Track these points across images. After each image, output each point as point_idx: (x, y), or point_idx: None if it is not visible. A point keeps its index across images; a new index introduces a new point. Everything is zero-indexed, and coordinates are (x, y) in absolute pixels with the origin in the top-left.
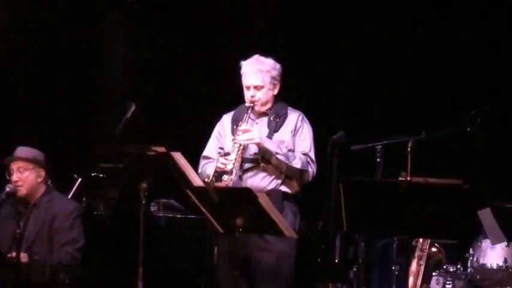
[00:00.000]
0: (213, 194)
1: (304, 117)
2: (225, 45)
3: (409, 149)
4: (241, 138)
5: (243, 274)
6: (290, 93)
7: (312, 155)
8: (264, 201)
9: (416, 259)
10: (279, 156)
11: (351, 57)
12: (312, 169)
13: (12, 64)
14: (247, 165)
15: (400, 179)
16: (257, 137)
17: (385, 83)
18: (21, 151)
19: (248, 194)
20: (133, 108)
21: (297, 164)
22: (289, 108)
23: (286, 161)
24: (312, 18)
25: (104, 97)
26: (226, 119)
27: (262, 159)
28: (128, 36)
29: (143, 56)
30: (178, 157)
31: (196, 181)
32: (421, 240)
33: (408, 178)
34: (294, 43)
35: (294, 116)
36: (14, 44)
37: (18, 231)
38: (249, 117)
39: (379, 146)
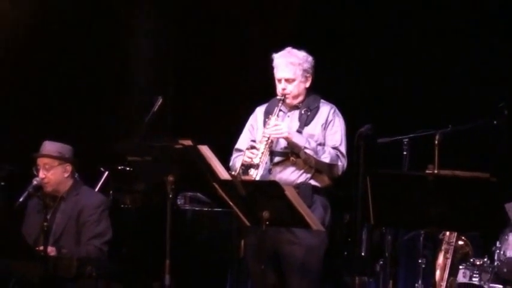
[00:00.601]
0: (240, 187)
1: (337, 111)
2: (254, 37)
3: (436, 142)
4: (269, 131)
5: (272, 267)
6: (317, 86)
7: (343, 148)
8: (291, 194)
9: (443, 252)
10: (307, 151)
11: (378, 50)
12: (341, 163)
13: (39, 58)
14: (277, 159)
15: (427, 172)
16: (285, 131)
17: (412, 75)
18: (48, 147)
19: (275, 187)
20: (160, 101)
21: (325, 158)
22: (321, 101)
23: (315, 156)
24: (340, 10)
25: (131, 90)
26: (259, 111)
27: (292, 153)
28: (155, 28)
29: (170, 48)
30: (205, 150)
31: (223, 174)
32: (447, 233)
33: (435, 171)
34: (322, 35)
35: (325, 109)
36: (41, 37)
37: (45, 224)
38: (280, 110)
39: (406, 139)
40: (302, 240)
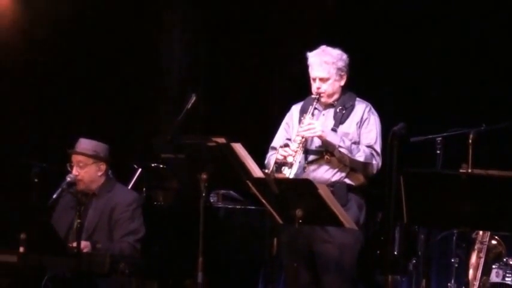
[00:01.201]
0: (273, 185)
1: (372, 109)
2: (287, 33)
3: (470, 141)
4: (303, 130)
5: (306, 265)
6: (351, 85)
7: (378, 147)
8: (324, 192)
9: (476, 252)
10: (341, 149)
11: (411, 49)
12: (376, 162)
13: (73, 55)
14: (311, 157)
15: (460, 171)
16: (319, 130)
17: (446, 74)
18: (83, 144)
19: (308, 185)
20: (194, 99)
21: (360, 157)
22: (357, 99)
23: (349, 154)
24: (373, 8)
25: (164, 87)
26: (295, 109)
27: (327, 152)
28: (188, 26)
29: (203, 46)
30: (239, 148)
31: (257, 172)
32: (481, 232)
33: (469, 170)
34: (354, 33)
35: (361, 108)
36: (75, 35)
37: (78, 221)
38: (316, 109)
39: (439, 138)
40: (336, 238)
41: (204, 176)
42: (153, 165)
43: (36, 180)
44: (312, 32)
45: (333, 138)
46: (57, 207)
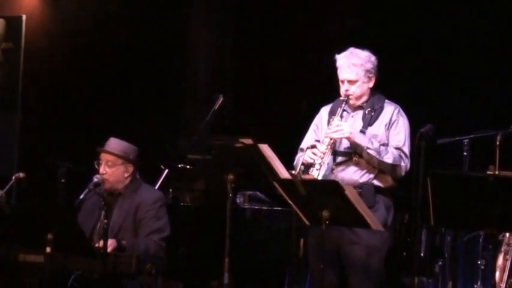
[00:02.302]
0: (300, 186)
1: (401, 111)
2: (314, 35)
3: (497, 143)
4: (331, 132)
5: (333, 267)
6: (379, 86)
7: (406, 149)
8: (350, 193)
9: (502, 254)
10: (369, 151)
11: (439, 51)
12: (404, 164)
13: (100, 56)
14: (339, 159)
15: (487, 172)
16: (347, 131)
17: (474, 75)
18: (114, 144)
19: (335, 187)
20: (221, 100)
21: (388, 159)
22: (386, 101)
23: (377, 156)
24: (403, 10)
25: (191, 88)
26: (324, 111)
27: (355, 153)
28: (215, 27)
29: (230, 47)
30: (266, 149)
31: (283, 173)
32: (507, 234)
33: (496, 172)
34: (383, 34)
35: (389, 110)
36: (102, 35)
37: (105, 221)
38: (344, 111)
39: (466, 140)
40: (364, 240)
41: (231, 177)
42: (179, 166)
43: (63, 180)
44: (340, 30)
45: (361, 140)
46: (83, 208)
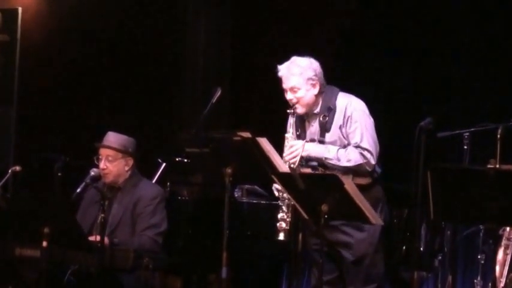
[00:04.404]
0: (299, 180)
1: (353, 103)
2: (311, 29)
3: (498, 136)
4: (288, 157)
5: (332, 261)
6: (378, 79)
7: (365, 144)
8: (350, 187)
9: (502, 248)
10: (329, 161)
11: (438, 44)
12: (367, 159)
13: (97, 49)
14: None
15: (488, 166)
16: (300, 151)
17: (474, 68)
18: (112, 138)
19: (334, 180)
20: (219, 93)
21: (348, 162)
22: (339, 94)
23: (338, 163)
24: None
25: (188, 81)
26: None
27: (320, 165)
28: (212, 19)
29: (227, 39)
30: (264, 143)
31: (282, 167)
32: (508, 229)
33: (497, 166)
34: (382, 27)
35: (341, 108)
36: (100, 32)
37: (102, 215)
38: (305, 120)
39: (467, 133)
40: (354, 237)
41: (229, 171)
42: (177, 159)
43: (59, 174)
44: (336, 26)
45: (317, 152)
46: (82, 202)
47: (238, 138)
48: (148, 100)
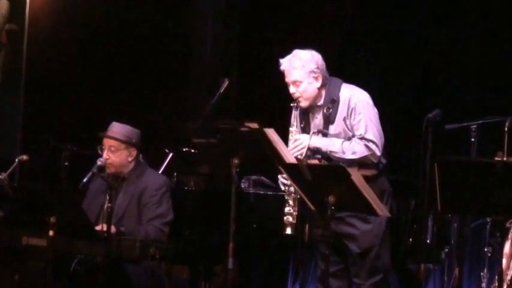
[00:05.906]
0: (306, 171)
1: (356, 94)
2: (316, 19)
3: (506, 129)
4: (293, 150)
5: (338, 253)
6: (386, 71)
7: (370, 135)
8: (357, 178)
9: (509, 241)
10: (333, 154)
11: (447, 37)
12: (372, 151)
13: (105, 40)
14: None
15: (495, 159)
16: (305, 143)
17: (483, 61)
18: (116, 129)
19: (341, 172)
20: (226, 83)
21: (353, 155)
22: (342, 87)
23: (343, 155)
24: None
25: (196, 72)
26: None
27: (324, 158)
28: (220, 10)
29: (235, 30)
30: (271, 133)
31: (289, 158)
32: None
33: (504, 158)
34: (389, 19)
35: (345, 100)
36: (106, 21)
37: (109, 205)
38: (309, 113)
39: (474, 126)
40: (360, 227)
41: (236, 161)
42: (184, 149)
43: (66, 163)
44: (338, 18)
45: (322, 144)
46: (88, 192)
47: (246, 128)
48: (156, 90)
